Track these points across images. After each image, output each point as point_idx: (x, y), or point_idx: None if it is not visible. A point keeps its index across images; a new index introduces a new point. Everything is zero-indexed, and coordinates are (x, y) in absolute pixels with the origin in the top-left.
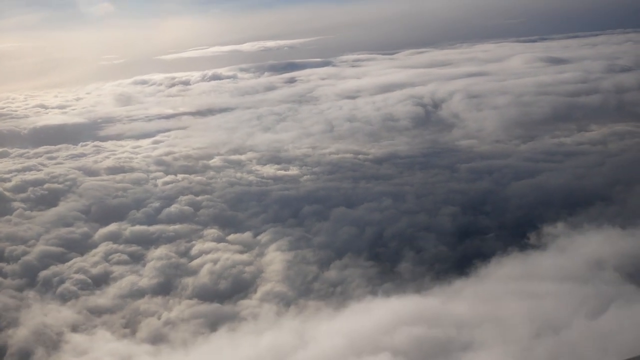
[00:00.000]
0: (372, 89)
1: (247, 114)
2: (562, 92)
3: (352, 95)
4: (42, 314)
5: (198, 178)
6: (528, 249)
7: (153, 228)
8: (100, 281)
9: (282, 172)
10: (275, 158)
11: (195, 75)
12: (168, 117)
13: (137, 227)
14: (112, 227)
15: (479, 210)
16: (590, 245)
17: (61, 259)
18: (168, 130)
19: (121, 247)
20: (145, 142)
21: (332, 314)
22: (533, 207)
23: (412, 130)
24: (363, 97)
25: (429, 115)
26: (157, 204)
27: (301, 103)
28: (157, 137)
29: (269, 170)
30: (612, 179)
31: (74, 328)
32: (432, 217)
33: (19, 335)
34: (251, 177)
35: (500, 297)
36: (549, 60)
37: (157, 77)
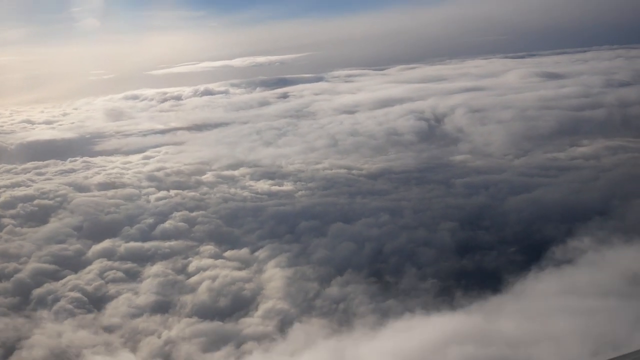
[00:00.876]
0: (370, 104)
1: (245, 128)
2: (566, 106)
3: (350, 110)
4: (49, 334)
5: (191, 194)
6: (544, 264)
7: (148, 244)
8: (97, 299)
9: (277, 188)
10: (268, 174)
11: (186, 90)
12: (163, 132)
13: (132, 244)
14: (106, 243)
15: (478, 225)
16: (621, 259)
17: (55, 276)
18: (164, 145)
19: (116, 264)
20: (135, 158)
21: (368, 333)
22: (532, 221)
23: (418, 145)
24: (362, 112)
25: (432, 130)
26: (150, 220)
27: (299, 118)
28: (148, 153)
29: (263, 185)
30: (608, 193)
31: (78, 347)
32: (431, 233)
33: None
34: (245, 193)
35: (547, 314)
36: (544, 75)
37: (148, 92)
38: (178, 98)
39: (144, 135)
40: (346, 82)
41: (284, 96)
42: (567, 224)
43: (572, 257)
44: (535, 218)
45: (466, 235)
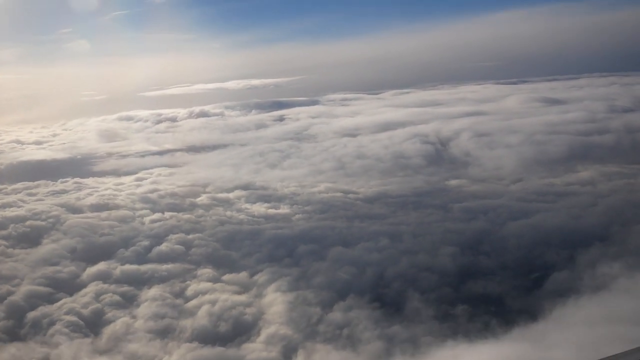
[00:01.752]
0: (371, 127)
1: (247, 150)
2: (574, 131)
3: (352, 133)
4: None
5: (186, 216)
6: (550, 290)
7: (144, 267)
8: (93, 323)
9: (273, 211)
10: (264, 196)
11: (181, 112)
12: (161, 153)
13: (128, 267)
14: (101, 266)
15: (478, 250)
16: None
17: (49, 299)
18: (164, 166)
19: (112, 287)
20: (128, 179)
21: None
22: (532, 247)
23: (427, 168)
24: (364, 135)
25: (440, 154)
26: (146, 243)
27: (300, 141)
28: (140, 174)
29: (259, 208)
30: (608, 219)
31: None
32: (432, 258)
33: None
34: (242, 216)
35: (600, 343)
36: (544, 100)
37: (143, 113)
38: (173, 120)
39: (142, 156)
40: (342, 105)
41: (280, 119)
42: (568, 250)
43: (601, 283)
44: (536, 244)
45: (467, 261)
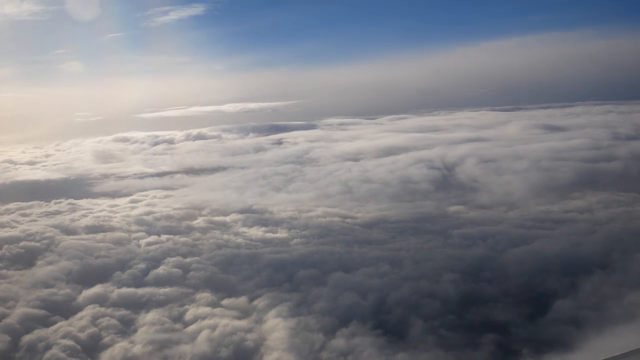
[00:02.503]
0: (373, 151)
1: (250, 173)
2: (580, 158)
3: (354, 158)
4: None
5: (183, 239)
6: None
7: (141, 291)
8: (90, 348)
9: (271, 235)
10: (261, 220)
11: (178, 134)
12: (160, 175)
13: (124, 290)
14: (97, 289)
15: (480, 277)
16: None
17: (45, 322)
18: (164, 189)
19: (109, 310)
20: (122, 201)
21: None
22: (534, 274)
23: (435, 194)
24: (367, 159)
25: (447, 179)
26: (142, 266)
27: (302, 164)
28: (135, 196)
29: (257, 232)
30: (607, 247)
31: None
32: (433, 284)
33: None
34: (239, 240)
35: None
36: (545, 127)
37: (139, 135)
38: (170, 142)
39: (140, 177)
40: (340, 129)
41: (279, 142)
42: (570, 278)
43: (604, 311)
44: (537, 270)
45: (469, 288)
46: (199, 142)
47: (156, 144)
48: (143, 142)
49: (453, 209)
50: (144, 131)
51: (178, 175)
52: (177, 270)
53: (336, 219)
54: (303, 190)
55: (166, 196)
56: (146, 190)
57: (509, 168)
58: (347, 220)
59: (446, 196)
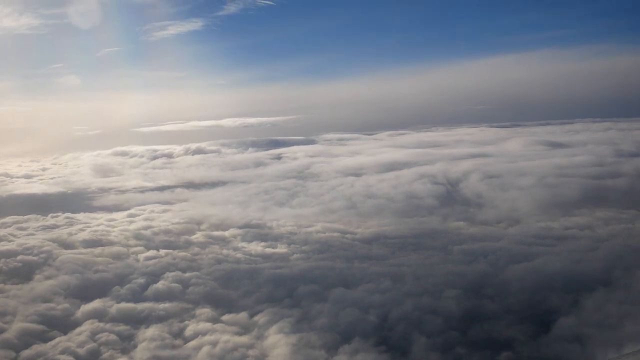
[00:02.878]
0: (374, 167)
1: (252, 188)
2: (585, 174)
3: (356, 173)
4: None
5: (182, 254)
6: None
7: (141, 306)
8: None
9: (271, 250)
10: (260, 235)
11: (177, 148)
12: (161, 189)
13: (123, 305)
14: (96, 303)
15: (481, 293)
16: None
17: (43, 337)
18: (165, 203)
19: (108, 325)
20: (120, 215)
21: None
22: (536, 291)
23: (440, 209)
24: (369, 174)
25: (451, 195)
26: (141, 280)
27: (304, 179)
28: (133, 211)
29: (256, 247)
30: (609, 263)
31: None
32: (436, 300)
33: None
34: (239, 255)
35: None
36: (547, 144)
37: (138, 149)
38: (169, 156)
39: (140, 192)
40: (340, 145)
41: (278, 157)
42: (572, 295)
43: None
44: (539, 287)
45: (471, 304)
46: (198, 157)
47: (155, 158)
48: (142, 156)
49: (455, 224)
50: (142, 145)
51: (178, 190)
52: (177, 285)
53: (336, 234)
54: (307, 205)
55: (164, 210)
56: (146, 204)
57: (514, 184)
58: (347, 235)
59: (451, 212)
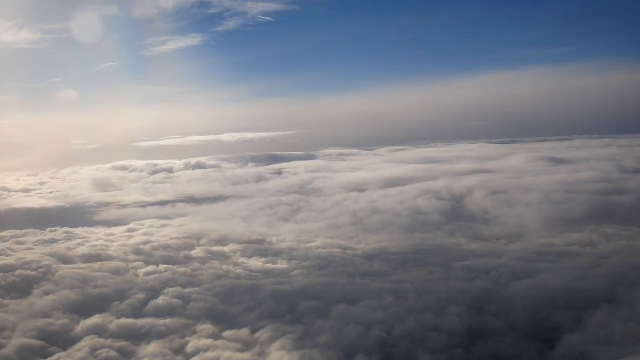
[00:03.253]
0: (377, 182)
1: (255, 203)
2: (591, 190)
3: (359, 189)
4: None
5: (182, 269)
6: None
7: (141, 322)
8: None
9: (271, 266)
10: (260, 251)
11: (177, 163)
12: (162, 204)
13: (124, 320)
14: (96, 319)
15: (484, 310)
16: None
17: (42, 353)
18: (167, 218)
19: (108, 341)
20: (119, 230)
21: None
22: (539, 308)
23: (447, 225)
24: (372, 190)
25: (457, 211)
26: (141, 296)
27: (306, 195)
28: (132, 225)
29: (257, 263)
30: (612, 281)
31: None
32: (439, 317)
33: None
34: (239, 270)
35: None
36: (549, 160)
37: (138, 163)
38: (169, 170)
39: (142, 206)
40: (340, 160)
41: (279, 172)
42: (576, 312)
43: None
44: (543, 304)
45: (475, 321)
46: (198, 172)
47: (155, 172)
48: (142, 171)
49: (459, 240)
50: (142, 160)
51: (179, 205)
52: (177, 301)
53: (336, 250)
54: (312, 220)
55: (164, 225)
56: (146, 219)
57: (520, 200)
58: (348, 251)
59: (457, 228)
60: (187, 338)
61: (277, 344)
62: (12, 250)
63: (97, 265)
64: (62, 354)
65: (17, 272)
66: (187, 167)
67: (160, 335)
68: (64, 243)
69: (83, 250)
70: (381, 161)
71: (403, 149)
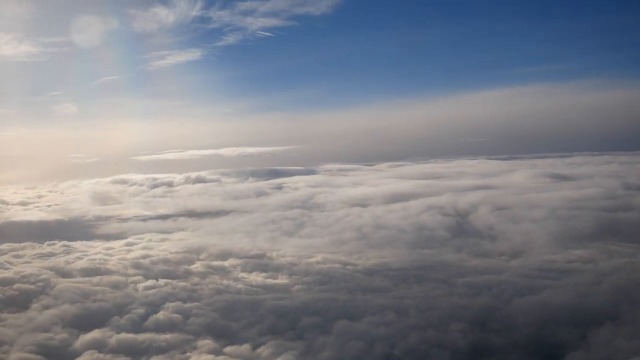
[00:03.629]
0: (380, 198)
1: (257, 217)
2: (597, 207)
3: (361, 204)
4: None
5: (182, 284)
6: None
7: (141, 337)
8: None
9: (272, 281)
10: (260, 265)
11: (177, 177)
12: (163, 218)
13: (123, 335)
14: (95, 334)
15: (487, 327)
16: None
17: None
18: (167, 232)
19: (108, 357)
20: (118, 244)
21: None
22: (543, 325)
23: (452, 241)
24: (375, 205)
25: (461, 226)
26: (141, 310)
27: (309, 209)
28: (131, 239)
29: (257, 278)
30: (615, 298)
31: None
32: (442, 333)
33: None
34: (239, 285)
35: None
36: (552, 176)
37: (137, 177)
38: (169, 184)
39: (142, 220)
40: (341, 175)
41: (279, 187)
42: (579, 329)
43: None
44: (546, 321)
45: (478, 338)
46: (198, 186)
47: (155, 186)
48: (142, 185)
49: (460, 256)
50: (141, 173)
51: (179, 219)
52: (177, 315)
53: (337, 265)
54: (316, 235)
55: (163, 239)
56: (147, 232)
57: (525, 216)
58: (348, 267)
59: (462, 244)
60: (188, 353)
61: None
62: (11, 264)
63: (96, 279)
64: None
65: (16, 286)
66: (187, 181)
67: (161, 350)
68: (62, 256)
69: (82, 264)
70: (382, 176)
71: (403, 165)
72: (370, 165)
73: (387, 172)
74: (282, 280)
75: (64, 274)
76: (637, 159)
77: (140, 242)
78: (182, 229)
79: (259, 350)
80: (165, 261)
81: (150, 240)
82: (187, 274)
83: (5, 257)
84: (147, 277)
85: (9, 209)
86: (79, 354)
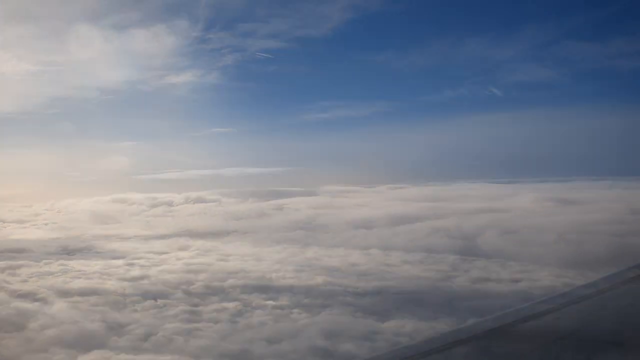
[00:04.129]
0: (384, 220)
1: (259, 238)
2: (607, 231)
3: (366, 225)
4: None
5: (181, 304)
6: None
7: (140, 357)
8: None
9: (272, 303)
10: (259, 287)
11: (177, 196)
12: (164, 237)
13: (123, 357)
14: (94, 355)
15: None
16: None
17: None
18: (166, 252)
19: None
20: (116, 263)
21: None
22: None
23: (459, 264)
24: (380, 227)
25: (471, 250)
26: (140, 331)
27: (313, 231)
28: (130, 259)
29: (256, 300)
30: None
31: None
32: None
33: None
34: (239, 307)
35: None
36: (557, 200)
37: (137, 196)
38: (169, 204)
39: (143, 239)
40: (342, 197)
41: (280, 208)
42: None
43: None
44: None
45: None
46: (199, 205)
47: (155, 205)
48: (141, 204)
49: (466, 278)
50: (141, 193)
51: (180, 239)
52: (177, 337)
53: (338, 288)
54: (322, 257)
55: (163, 259)
56: (146, 252)
57: (534, 241)
58: (349, 289)
59: (470, 267)
60: None
61: None
62: (7, 282)
63: (94, 298)
64: None
65: (13, 305)
66: (187, 201)
67: None
68: (59, 275)
69: (80, 283)
70: (384, 198)
71: (402, 187)
72: (371, 188)
73: (388, 194)
74: (282, 302)
75: (62, 293)
76: (638, 184)
77: (140, 262)
78: (182, 249)
79: None
80: (165, 281)
81: (150, 260)
82: (187, 295)
83: (2, 276)
84: (146, 298)
85: (5, 227)
86: None
